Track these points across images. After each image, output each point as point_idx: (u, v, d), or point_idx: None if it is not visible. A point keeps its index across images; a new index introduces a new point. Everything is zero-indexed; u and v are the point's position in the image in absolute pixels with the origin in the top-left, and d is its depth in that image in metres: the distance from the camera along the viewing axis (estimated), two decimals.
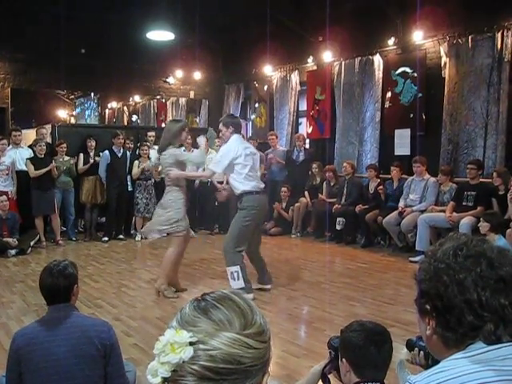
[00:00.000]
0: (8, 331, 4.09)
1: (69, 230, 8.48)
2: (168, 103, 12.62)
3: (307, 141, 9.68)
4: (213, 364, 0.83)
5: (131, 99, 13.49)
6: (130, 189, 8.63)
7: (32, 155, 7.94)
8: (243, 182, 5.10)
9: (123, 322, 4.45)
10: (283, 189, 8.97)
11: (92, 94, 13.41)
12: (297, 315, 4.78)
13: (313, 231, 8.75)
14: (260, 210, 5.19)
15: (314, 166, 8.81)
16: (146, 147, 8.58)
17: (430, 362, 1.57)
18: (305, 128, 10.06)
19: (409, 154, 7.89)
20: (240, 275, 4.93)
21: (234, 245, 5.03)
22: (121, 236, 8.59)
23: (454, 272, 1.07)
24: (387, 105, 8.34)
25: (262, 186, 5.38)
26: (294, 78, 10.01)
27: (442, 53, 7.51)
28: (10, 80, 9.87)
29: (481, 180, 6.69)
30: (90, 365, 2.24)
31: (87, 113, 14.19)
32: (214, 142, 7.30)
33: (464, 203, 6.60)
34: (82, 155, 8.45)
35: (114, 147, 8.46)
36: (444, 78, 7.47)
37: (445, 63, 7.48)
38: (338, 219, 7.98)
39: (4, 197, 7.40)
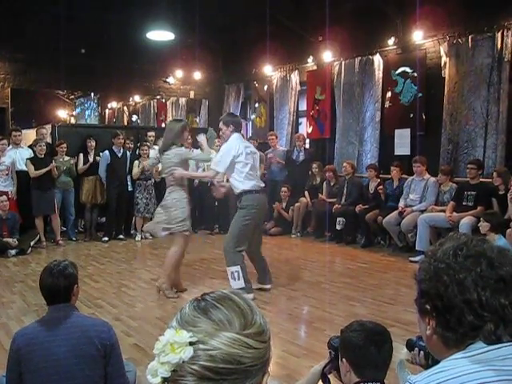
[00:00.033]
0: (8, 331, 4.09)
1: (69, 230, 8.48)
2: (168, 103, 12.62)
3: (307, 141, 9.68)
4: (213, 364, 0.83)
5: (131, 99, 13.49)
6: (130, 189, 8.63)
7: (32, 155, 7.94)
8: (243, 181, 5.09)
9: (123, 322, 4.45)
10: (283, 189, 8.97)
11: (92, 94, 13.42)
12: (297, 315, 4.78)
13: (313, 231, 8.75)
14: (260, 209, 5.19)
15: (314, 165, 8.81)
16: (145, 147, 8.58)
17: (430, 361, 1.57)
18: (305, 128, 10.06)
19: (409, 153, 7.89)
20: (240, 275, 4.93)
21: (234, 244, 5.03)
22: (121, 236, 8.59)
23: (454, 272, 1.07)
24: (387, 105, 8.34)
25: (262, 185, 5.38)
26: (294, 77, 10.01)
27: (442, 52, 7.51)
28: (10, 80, 9.86)
29: (481, 180, 6.68)
30: (90, 365, 2.24)
31: (87, 113, 14.20)
32: (214, 142, 7.32)
33: (464, 203, 6.60)
34: (81, 155, 8.46)
35: (114, 147, 8.46)
36: (444, 77, 7.47)
37: (445, 63, 7.48)
38: (338, 219, 7.98)
39: (4, 197, 7.41)
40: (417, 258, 6.26)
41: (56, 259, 2.51)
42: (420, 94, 7.75)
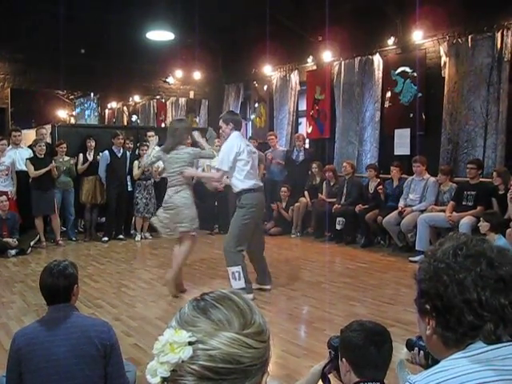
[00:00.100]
0: (8, 331, 4.09)
1: (69, 230, 8.49)
2: (168, 103, 12.63)
3: (307, 141, 9.69)
4: (212, 364, 0.83)
5: (131, 99, 13.51)
6: (129, 189, 8.63)
7: (32, 155, 7.94)
8: (244, 180, 5.08)
9: (123, 322, 4.45)
10: (283, 189, 8.97)
11: (92, 94, 13.44)
12: (297, 315, 4.78)
13: (313, 231, 8.75)
14: (258, 207, 5.19)
15: (314, 165, 8.81)
16: (145, 147, 8.56)
17: (429, 361, 1.57)
18: (304, 128, 10.06)
19: (409, 153, 7.89)
20: (241, 275, 4.93)
21: (234, 244, 5.03)
22: (121, 236, 8.59)
23: (454, 272, 1.07)
24: (387, 104, 8.34)
25: (261, 184, 5.38)
26: (294, 77, 10.01)
27: (442, 52, 7.51)
28: (10, 80, 9.86)
29: (481, 180, 6.69)
30: (90, 365, 2.24)
31: (87, 113, 14.21)
32: (214, 142, 7.32)
33: (464, 203, 6.60)
34: (81, 155, 8.46)
35: (113, 147, 8.46)
36: (444, 77, 7.47)
37: (444, 63, 7.48)
38: (338, 219, 7.98)
39: (4, 197, 7.41)
40: (416, 258, 6.26)
41: (56, 259, 2.51)
42: (420, 94, 7.75)
